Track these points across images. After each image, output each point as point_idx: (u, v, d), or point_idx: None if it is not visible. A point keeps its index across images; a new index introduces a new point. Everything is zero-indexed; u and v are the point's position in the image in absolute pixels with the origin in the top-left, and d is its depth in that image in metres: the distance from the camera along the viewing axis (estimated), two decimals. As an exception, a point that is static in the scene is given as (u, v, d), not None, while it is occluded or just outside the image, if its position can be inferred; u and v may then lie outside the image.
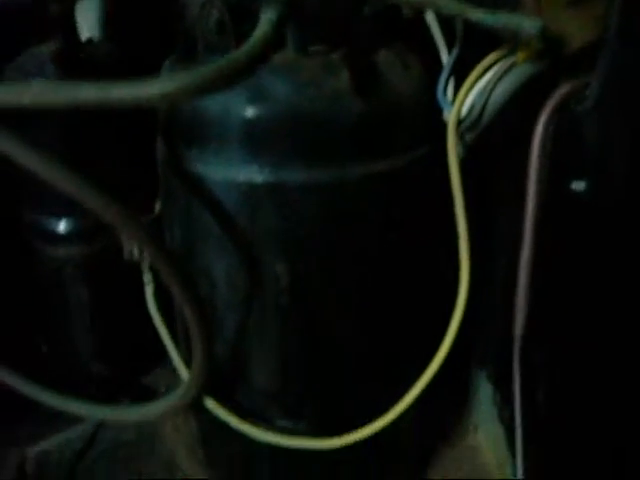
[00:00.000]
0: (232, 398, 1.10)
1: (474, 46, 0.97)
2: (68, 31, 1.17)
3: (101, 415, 1.16)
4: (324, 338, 1.04)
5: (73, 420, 1.44)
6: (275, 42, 0.84)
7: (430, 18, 1.01)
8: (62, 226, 1.28)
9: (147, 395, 1.12)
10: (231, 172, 0.93)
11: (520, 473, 1.08)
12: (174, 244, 1.07)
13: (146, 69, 0.86)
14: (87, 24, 1.27)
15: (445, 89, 1.00)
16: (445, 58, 1.02)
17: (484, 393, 1.35)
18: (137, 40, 1.26)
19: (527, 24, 0.82)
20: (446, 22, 1.00)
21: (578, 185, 0.93)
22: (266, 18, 0.81)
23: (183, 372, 1.13)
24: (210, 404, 1.08)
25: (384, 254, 1.01)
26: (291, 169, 0.92)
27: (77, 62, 1.16)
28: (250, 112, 0.90)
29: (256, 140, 0.91)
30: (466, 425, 1.41)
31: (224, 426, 1.09)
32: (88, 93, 0.70)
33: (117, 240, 1.11)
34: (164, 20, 1.21)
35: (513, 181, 1.00)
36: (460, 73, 0.98)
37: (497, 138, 1.06)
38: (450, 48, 1.01)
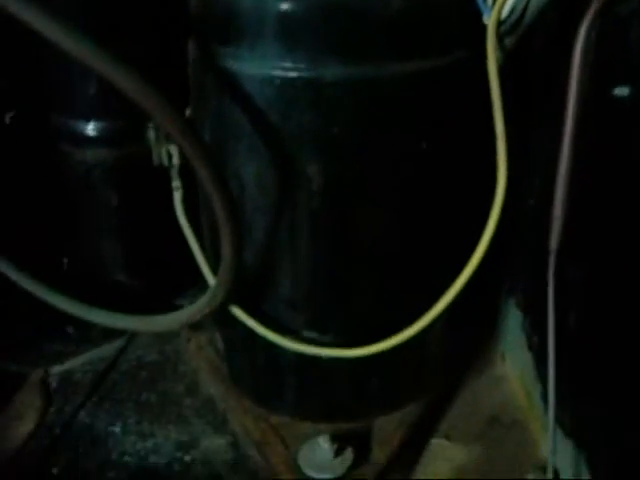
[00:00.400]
0: (259, 308, 1.09)
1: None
2: None
3: (125, 324, 1.15)
4: (356, 243, 1.02)
5: (98, 342, 1.46)
6: None
7: None
8: (90, 128, 1.27)
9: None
10: (265, 67, 0.91)
11: (552, 398, 1.06)
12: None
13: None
14: None
15: (485, -8, 0.97)
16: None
17: (513, 320, 1.33)
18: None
19: None
20: None
21: (622, 91, 0.90)
22: None
23: (210, 279, 1.11)
24: (237, 312, 1.07)
25: (419, 155, 0.98)
26: (327, 64, 0.89)
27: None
28: (285, 5, 0.88)
29: (291, 34, 0.89)
30: (494, 354, 1.40)
31: (250, 336, 1.08)
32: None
33: (146, 144, 1.09)
34: None
35: (554, 87, 0.97)
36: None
37: (537, 43, 1.04)
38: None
